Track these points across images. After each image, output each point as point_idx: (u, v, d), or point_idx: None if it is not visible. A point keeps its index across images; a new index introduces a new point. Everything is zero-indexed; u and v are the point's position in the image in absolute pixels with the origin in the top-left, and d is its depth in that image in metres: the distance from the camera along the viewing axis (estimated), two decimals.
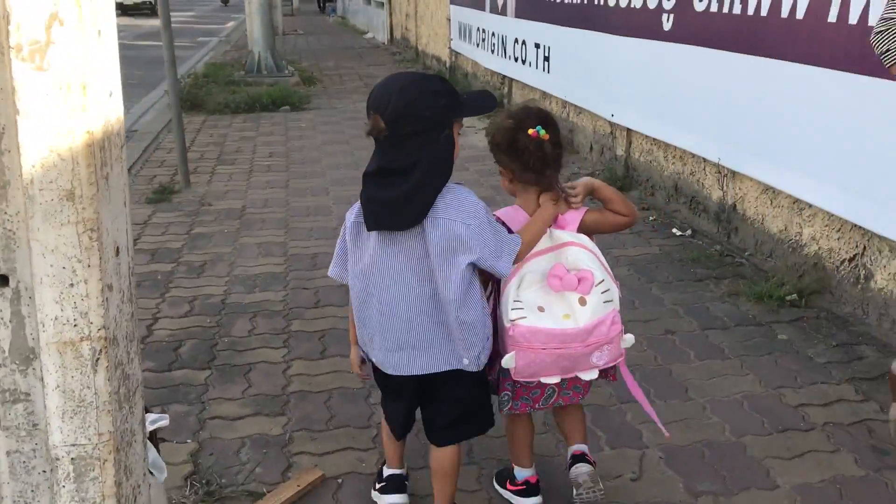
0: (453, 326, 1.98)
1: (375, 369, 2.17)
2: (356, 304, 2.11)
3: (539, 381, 2.09)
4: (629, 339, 2.09)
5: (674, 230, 5.05)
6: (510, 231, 2.06)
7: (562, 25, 7.03)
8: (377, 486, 2.42)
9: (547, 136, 2.05)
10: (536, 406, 2.24)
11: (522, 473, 2.37)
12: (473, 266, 1.96)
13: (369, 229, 1.99)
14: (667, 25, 5.14)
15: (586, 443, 2.36)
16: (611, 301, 2.02)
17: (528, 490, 2.36)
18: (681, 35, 5.00)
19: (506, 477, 2.44)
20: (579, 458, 2.29)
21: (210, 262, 4.63)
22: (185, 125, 9.16)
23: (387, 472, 2.40)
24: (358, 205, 2.05)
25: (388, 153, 1.94)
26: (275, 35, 13.08)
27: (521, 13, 8.27)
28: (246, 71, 12.44)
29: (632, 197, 5.76)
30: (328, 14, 29.71)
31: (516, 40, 8.48)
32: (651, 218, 5.31)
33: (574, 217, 2.15)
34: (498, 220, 2.09)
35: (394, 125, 1.89)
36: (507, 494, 2.42)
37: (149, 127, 9.00)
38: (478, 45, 10.20)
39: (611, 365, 2.12)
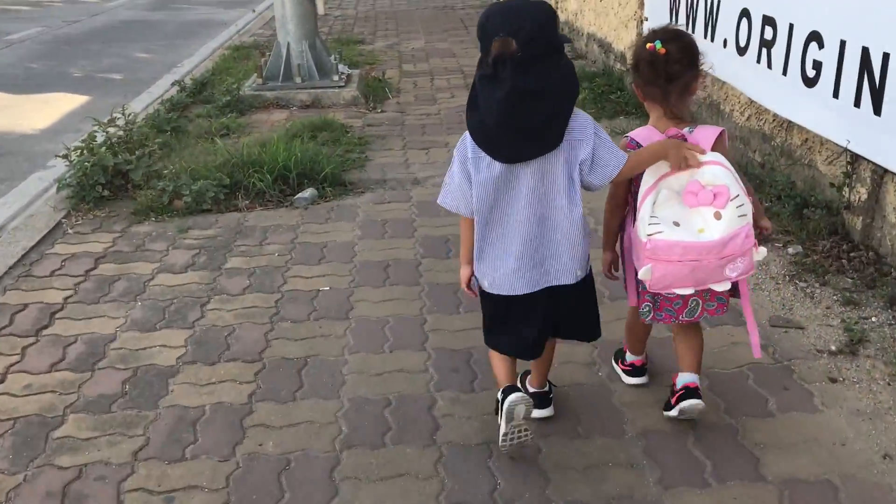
0: (573, 240, 2.21)
1: (494, 302, 2.33)
2: (487, 229, 2.23)
3: (676, 293, 2.27)
4: (762, 251, 2.18)
5: None
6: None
7: None
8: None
9: (664, 51, 2.18)
10: (680, 318, 2.37)
11: (631, 357, 2.71)
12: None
13: (508, 161, 2.12)
14: None
15: (699, 372, 2.48)
16: (745, 216, 2.12)
17: (632, 371, 2.71)
18: None
19: (619, 356, 2.78)
20: (693, 391, 2.41)
21: None
22: (51, 276, 3.55)
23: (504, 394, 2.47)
24: (469, 138, 2.16)
25: (521, 75, 2.02)
26: (316, 16, 7.26)
27: None
28: (265, 78, 6.97)
29: None
30: None
31: None
32: None
33: (709, 135, 2.23)
34: (632, 140, 2.31)
35: (527, 47, 2.00)
36: (617, 370, 2.77)
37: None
38: (740, 50, 4.38)
39: (743, 277, 2.20)
